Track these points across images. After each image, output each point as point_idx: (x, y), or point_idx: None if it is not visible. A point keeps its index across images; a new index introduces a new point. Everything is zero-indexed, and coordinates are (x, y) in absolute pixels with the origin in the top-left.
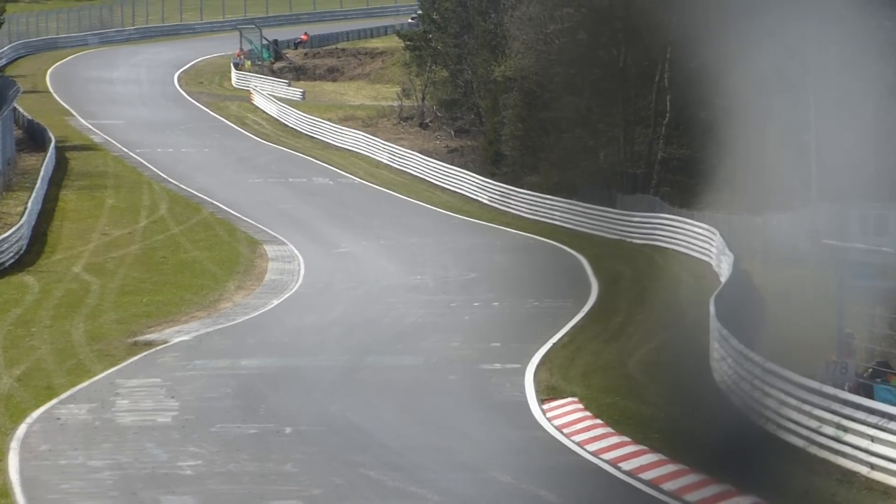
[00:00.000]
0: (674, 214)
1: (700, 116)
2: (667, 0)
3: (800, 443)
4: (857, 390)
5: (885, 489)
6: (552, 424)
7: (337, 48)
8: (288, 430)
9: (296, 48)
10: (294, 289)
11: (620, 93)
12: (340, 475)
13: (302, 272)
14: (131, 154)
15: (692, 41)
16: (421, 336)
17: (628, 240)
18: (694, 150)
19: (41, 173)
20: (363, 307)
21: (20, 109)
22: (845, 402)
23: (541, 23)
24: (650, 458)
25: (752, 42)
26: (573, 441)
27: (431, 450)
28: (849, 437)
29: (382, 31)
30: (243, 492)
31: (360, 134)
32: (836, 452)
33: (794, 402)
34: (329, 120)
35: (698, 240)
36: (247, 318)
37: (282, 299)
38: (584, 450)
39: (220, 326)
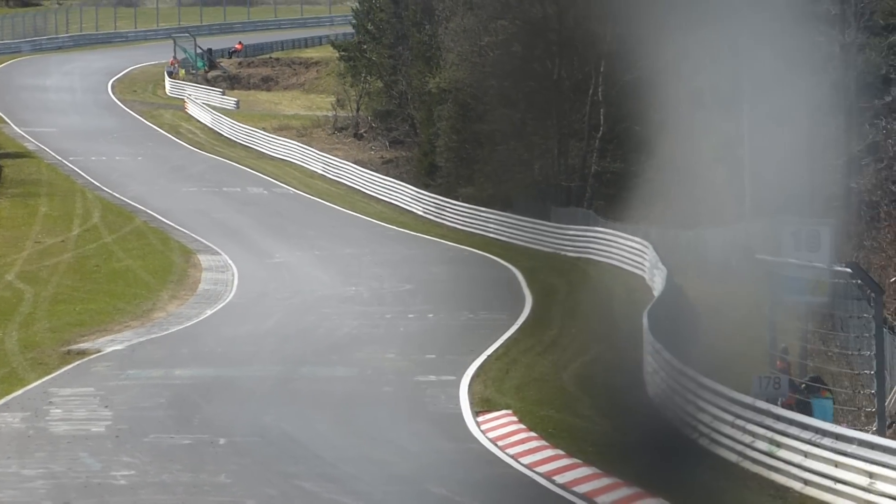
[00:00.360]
0: (608, 228)
1: (634, 130)
2: (601, 13)
3: (733, 457)
4: (791, 405)
5: None
6: (486, 437)
7: (271, 58)
8: (222, 440)
9: (230, 57)
10: (228, 299)
11: (555, 105)
12: (274, 486)
13: (236, 282)
14: (65, 162)
15: (626, 54)
16: (356, 347)
17: (562, 253)
18: (628, 164)
19: None
20: (297, 318)
21: None
22: (778, 418)
23: (475, 35)
24: (584, 471)
25: (686, 56)
26: (507, 454)
27: (366, 461)
28: (782, 453)
29: (317, 41)
30: (177, 502)
31: (294, 144)
32: (770, 468)
33: (727, 416)
34: (263, 129)
35: (632, 253)
36: (180, 327)
37: (216, 309)
38: (519, 462)
39: (154, 336)
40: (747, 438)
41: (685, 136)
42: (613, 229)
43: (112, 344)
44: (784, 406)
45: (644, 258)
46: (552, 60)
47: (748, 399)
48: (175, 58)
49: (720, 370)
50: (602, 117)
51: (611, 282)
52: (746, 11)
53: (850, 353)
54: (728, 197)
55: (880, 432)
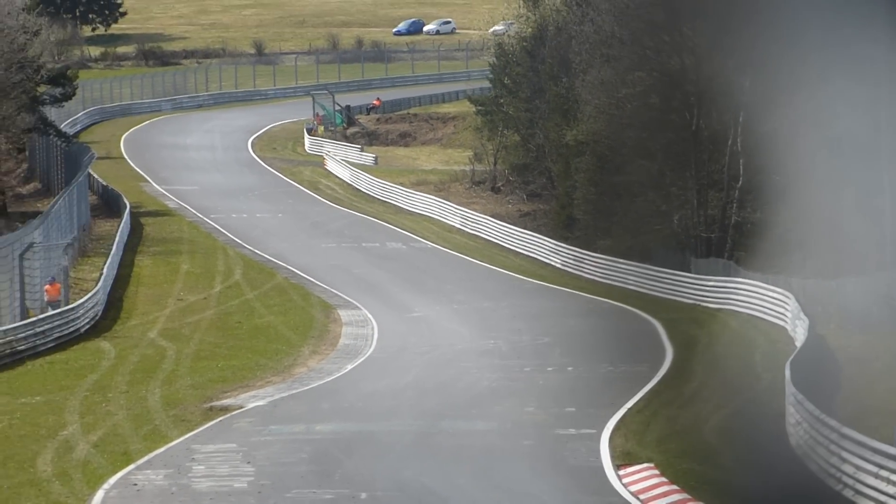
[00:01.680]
0: (748, 279)
1: (773, 180)
2: (739, 64)
3: None
4: None
5: None
6: (628, 490)
7: (409, 113)
8: (363, 495)
9: (368, 113)
10: (368, 353)
11: (693, 156)
12: None
13: (375, 336)
14: (206, 219)
15: (765, 105)
16: (495, 401)
17: (703, 304)
18: (767, 214)
19: (116, 239)
20: (436, 371)
21: (95, 175)
22: None
23: (613, 87)
24: None
25: (824, 105)
26: None
27: None
28: None
29: (454, 96)
30: None
31: (432, 198)
32: None
33: (871, 467)
34: (401, 184)
35: (773, 304)
36: (321, 382)
37: (356, 364)
38: None
39: (295, 391)
40: (891, 489)
41: (824, 186)
42: (754, 280)
43: (254, 400)
44: None
45: (786, 309)
46: (690, 111)
47: (891, 449)
48: (317, 114)
49: (862, 420)
50: (741, 167)
51: (752, 333)
52: (885, 61)
53: None
54: (869, 246)
55: None
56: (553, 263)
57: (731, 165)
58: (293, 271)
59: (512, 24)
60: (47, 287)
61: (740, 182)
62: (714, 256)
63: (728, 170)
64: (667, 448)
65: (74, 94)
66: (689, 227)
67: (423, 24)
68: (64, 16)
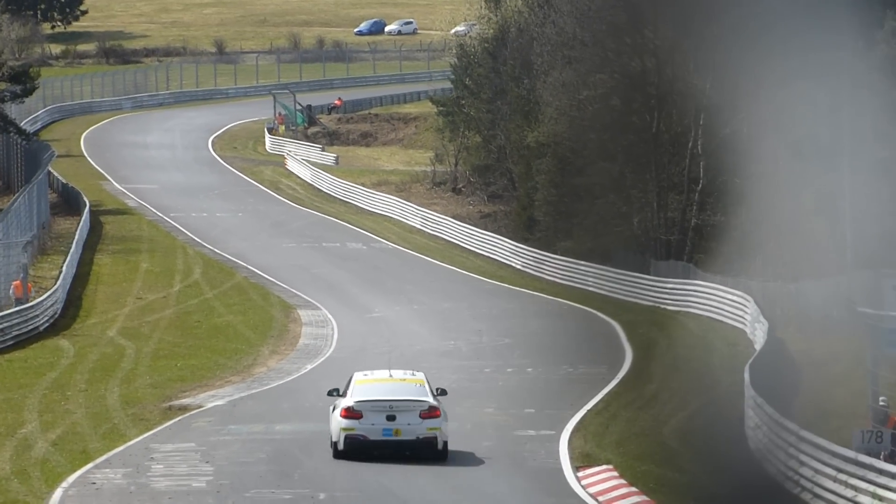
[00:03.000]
0: (708, 281)
1: (734, 183)
2: (700, 66)
3: None
4: (893, 459)
5: None
6: (587, 492)
7: (370, 113)
8: (322, 495)
9: (329, 113)
10: (328, 353)
11: (654, 158)
12: None
13: (335, 336)
14: (165, 218)
15: (726, 107)
16: (454, 401)
17: (662, 306)
18: (728, 217)
19: (76, 237)
20: None
21: (55, 173)
22: (881, 472)
23: (574, 89)
24: None
25: (786, 109)
26: None
27: None
28: None
29: (416, 97)
30: None
31: (393, 199)
32: None
33: (829, 470)
34: (362, 185)
35: (732, 307)
36: (281, 382)
37: (316, 364)
38: None
39: (255, 391)
40: (849, 493)
41: (785, 189)
42: (714, 283)
43: (213, 399)
44: (885, 460)
45: (745, 312)
46: (651, 114)
47: (850, 453)
48: (279, 113)
49: (821, 424)
50: (702, 170)
51: (711, 335)
52: (846, 64)
53: None
54: (829, 249)
55: None
56: (513, 265)
57: (691, 168)
58: (253, 271)
59: (474, 25)
60: (16, 283)
61: (700, 185)
62: (674, 259)
63: (688, 172)
64: (626, 450)
65: (35, 92)
66: (649, 229)
67: (385, 25)
68: (25, 13)
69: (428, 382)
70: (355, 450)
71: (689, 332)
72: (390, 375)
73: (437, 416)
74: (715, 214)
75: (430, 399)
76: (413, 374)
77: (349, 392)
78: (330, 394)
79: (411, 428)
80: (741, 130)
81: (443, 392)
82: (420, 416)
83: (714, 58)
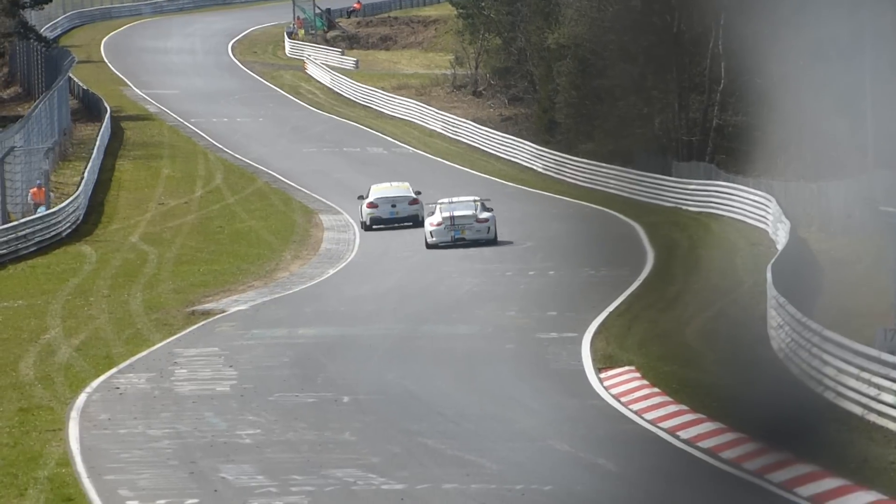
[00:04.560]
0: (730, 182)
1: (755, 83)
2: None
3: (858, 410)
4: None
5: None
6: (609, 393)
7: (389, 16)
8: (346, 398)
9: (348, 17)
10: (349, 258)
11: (674, 59)
12: (398, 444)
13: (357, 241)
14: (186, 124)
15: (746, 7)
16: (476, 305)
17: (684, 208)
18: (749, 118)
19: (97, 143)
20: (418, 276)
21: (75, 79)
22: None
23: None
24: (708, 426)
25: (806, 8)
26: (631, 410)
27: (488, 418)
28: None
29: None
30: (302, 460)
31: (413, 103)
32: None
33: (852, 369)
34: (382, 89)
35: (754, 207)
36: (303, 287)
37: (338, 268)
38: (642, 418)
39: (277, 296)
40: (872, 391)
41: (806, 89)
42: (735, 183)
43: (236, 304)
44: None
45: (767, 212)
46: (671, 14)
47: (873, 351)
48: (298, 17)
49: (844, 323)
50: (723, 70)
51: (733, 236)
52: None
53: None
54: (851, 149)
55: None
56: (534, 168)
57: (712, 68)
58: (274, 176)
59: None
60: (34, 190)
61: (721, 85)
62: (695, 160)
63: (709, 73)
64: (648, 351)
65: None
66: (671, 130)
67: None
68: None
69: (410, 188)
70: (374, 222)
71: (711, 233)
72: (391, 185)
73: (417, 204)
74: (736, 115)
75: (412, 195)
76: (402, 183)
77: (369, 195)
78: (359, 197)
79: (404, 209)
80: (762, 30)
81: (418, 193)
82: (408, 204)
83: None
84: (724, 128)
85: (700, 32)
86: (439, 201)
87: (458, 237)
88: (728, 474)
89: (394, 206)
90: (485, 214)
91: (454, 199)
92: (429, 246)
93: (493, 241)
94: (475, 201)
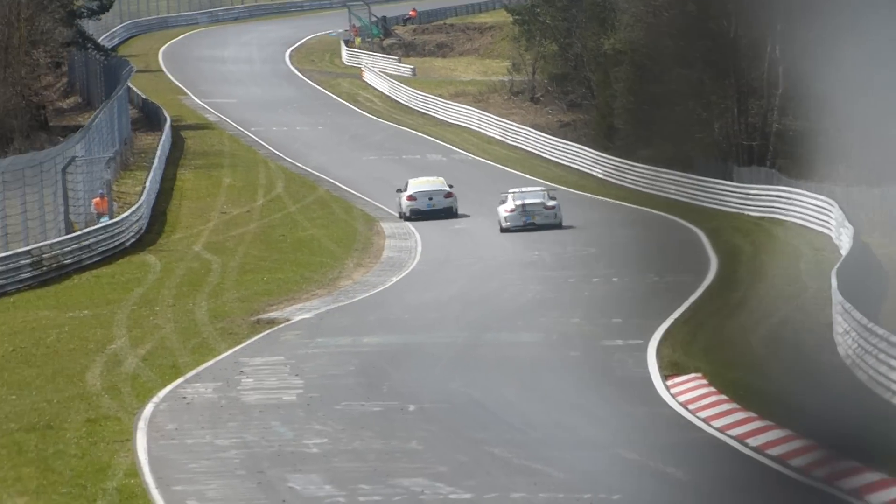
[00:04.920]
0: (791, 186)
1: (814, 87)
2: None
3: None
4: None
5: None
6: (676, 400)
7: (446, 24)
8: (411, 407)
9: (405, 24)
10: (412, 266)
11: (732, 64)
12: (465, 452)
13: (419, 249)
14: (246, 133)
15: (803, 11)
16: (540, 312)
17: (746, 213)
18: (810, 122)
19: (158, 152)
20: (481, 283)
21: (134, 89)
22: None
23: None
24: (777, 433)
25: (865, 13)
26: (698, 417)
27: (554, 427)
28: None
29: (491, 6)
30: (369, 469)
31: (471, 109)
32: None
33: None
34: (440, 96)
35: (817, 212)
36: (366, 295)
37: (400, 276)
38: (710, 426)
39: (341, 304)
40: None
41: (867, 93)
42: (797, 188)
43: (300, 312)
44: None
45: (830, 217)
46: (728, 18)
47: None
48: (354, 25)
49: None
50: (781, 75)
51: (796, 241)
52: None
53: None
54: None
55: None
56: (594, 174)
57: (770, 73)
58: (335, 184)
59: None
60: (96, 200)
61: (780, 89)
62: (756, 165)
63: (768, 77)
64: (714, 358)
65: (111, 8)
66: (731, 135)
67: None
68: None
69: (445, 182)
70: (414, 213)
71: (774, 238)
72: (427, 179)
73: (452, 197)
74: (796, 119)
75: (447, 188)
76: (437, 178)
77: (407, 188)
78: (398, 190)
79: (440, 202)
80: (820, 34)
81: (451, 186)
82: (444, 197)
83: None
84: (785, 132)
85: (757, 37)
86: (511, 190)
87: (529, 222)
88: (797, 482)
89: (431, 198)
90: (552, 202)
91: (524, 189)
92: (503, 230)
93: (559, 226)
94: (543, 191)
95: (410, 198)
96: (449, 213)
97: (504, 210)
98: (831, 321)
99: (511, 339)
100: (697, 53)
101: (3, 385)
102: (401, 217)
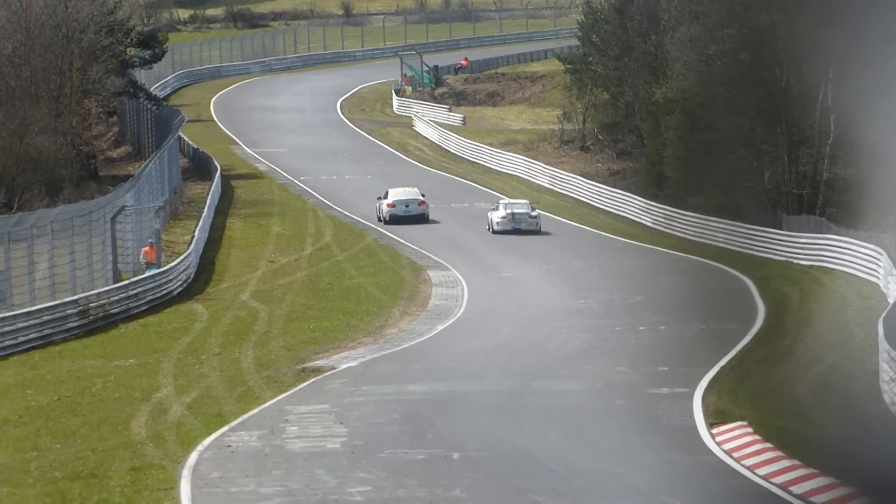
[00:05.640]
0: (840, 235)
1: (865, 136)
2: (829, 19)
3: None
4: None
5: None
6: (721, 449)
7: (497, 73)
8: (456, 455)
9: (456, 73)
10: (458, 314)
11: (784, 112)
12: (509, 501)
13: (465, 297)
14: (296, 182)
15: (856, 59)
16: (586, 360)
17: (795, 261)
18: (860, 170)
19: (207, 202)
20: (527, 332)
21: (185, 138)
22: None
23: (702, 44)
24: (822, 481)
25: None
26: (743, 465)
27: (599, 474)
28: None
29: (542, 55)
30: None
31: (520, 158)
32: None
33: None
34: (490, 145)
35: (865, 260)
36: (412, 343)
37: (446, 324)
38: (755, 474)
39: (387, 352)
40: None
41: None
42: (847, 237)
43: (346, 361)
44: None
45: (878, 265)
46: (780, 67)
47: None
48: (405, 75)
49: None
50: (832, 123)
51: (844, 290)
52: None
53: None
54: None
55: None
56: (643, 222)
57: (821, 121)
58: (382, 232)
59: None
60: (145, 249)
61: (831, 138)
62: (806, 213)
63: (819, 126)
64: (760, 406)
65: (163, 57)
66: (781, 183)
67: None
68: None
69: (419, 192)
70: (392, 219)
71: (822, 287)
72: (404, 189)
73: (425, 205)
74: (847, 168)
75: (421, 198)
76: (413, 188)
77: (387, 196)
78: (378, 198)
79: (415, 209)
80: (872, 83)
81: (424, 195)
82: (418, 205)
83: (843, 10)
84: (835, 181)
85: (809, 85)
86: (501, 201)
87: (517, 227)
88: None
89: (407, 206)
90: (535, 213)
91: (513, 201)
92: (494, 232)
93: (538, 232)
94: (528, 203)
95: (390, 205)
96: (422, 218)
97: (496, 216)
98: (878, 369)
99: (557, 388)
100: (749, 102)
101: (48, 434)
102: (380, 220)
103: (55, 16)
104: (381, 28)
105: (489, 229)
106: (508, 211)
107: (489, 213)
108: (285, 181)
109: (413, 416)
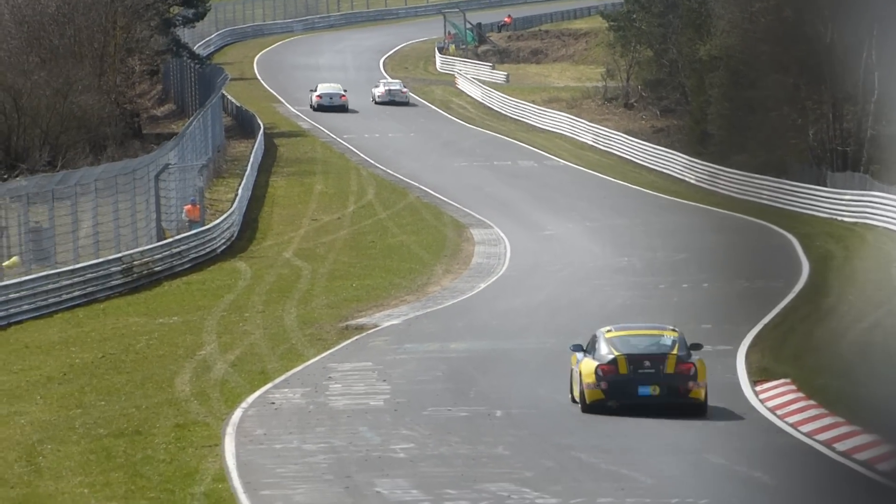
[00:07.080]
0: (885, 192)
1: None
2: None
3: None
4: None
5: None
6: (765, 406)
7: (540, 30)
8: (498, 412)
9: (499, 31)
10: (501, 272)
11: (827, 70)
12: (551, 458)
13: (508, 255)
14: (338, 140)
15: None
16: (629, 318)
17: (839, 219)
18: None
19: (250, 160)
20: (569, 289)
21: (228, 97)
22: None
23: (746, 1)
24: (864, 438)
25: None
26: (786, 422)
27: (641, 432)
28: None
29: (586, 12)
30: (455, 475)
31: (564, 116)
32: None
33: None
34: (533, 102)
35: None
36: (455, 301)
37: (489, 282)
38: (798, 431)
39: (429, 310)
40: None
41: None
42: (891, 193)
43: (388, 319)
44: None
45: None
46: (824, 25)
47: None
48: (448, 32)
49: None
50: (877, 81)
51: (889, 247)
52: None
53: None
54: None
55: None
56: (687, 179)
57: (865, 79)
58: (425, 190)
59: None
60: (188, 207)
61: (875, 95)
62: (850, 170)
63: (863, 83)
64: (803, 363)
65: (206, 16)
66: (825, 140)
67: None
68: None
69: (342, 87)
70: (319, 107)
71: (867, 244)
72: (330, 85)
73: (345, 98)
74: (891, 125)
75: (343, 92)
76: (337, 84)
77: (317, 90)
78: (311, 90)
79: (338, 101)
80: None
81: (345, 90)
82: (339, 98)
83: None
84: (879, 138)
85: (853, 43)
86: (381, 80)
87: (391, 100)
88: (885, 486)
89: (331, 98)
90: (405, 90)
91: (390, 80)
92: (376, 103)
93: (407, 104)
94: (400, 83)
95: (318, 97)
96: (342, 108)
97: (377, 92)
98: None
99: None
100: (793, 59)
101: (92, 391)
102: (311, 108)
103: None
104: None
105: (373, 101)
106: (386, 88)
107: (372, 89)
108: (328, 139)
109: (456, 373)
